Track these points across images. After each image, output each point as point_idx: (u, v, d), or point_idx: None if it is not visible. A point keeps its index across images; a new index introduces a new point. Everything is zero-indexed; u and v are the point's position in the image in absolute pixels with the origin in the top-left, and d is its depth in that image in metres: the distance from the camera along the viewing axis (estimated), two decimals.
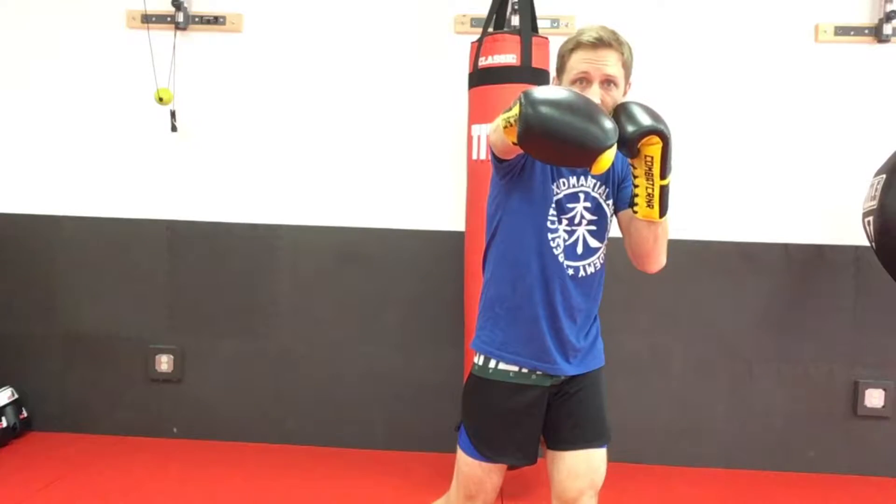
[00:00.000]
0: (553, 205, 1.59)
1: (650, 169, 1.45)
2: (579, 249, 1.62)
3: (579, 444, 1.65)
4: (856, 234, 2.95)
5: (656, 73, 2.97)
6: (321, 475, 2.95)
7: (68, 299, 3.30)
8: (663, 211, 1.50)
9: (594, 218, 1.63)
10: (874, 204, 2.67)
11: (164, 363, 3.29)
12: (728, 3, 3.10)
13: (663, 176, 1.46)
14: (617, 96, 1.53)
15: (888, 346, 3.10)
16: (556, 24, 3.08)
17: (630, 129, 1.42)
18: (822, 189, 3.11)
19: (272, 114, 3.23)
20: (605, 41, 1.50)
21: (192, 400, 3.29)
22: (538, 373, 1.63)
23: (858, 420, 3.12)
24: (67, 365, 3.31)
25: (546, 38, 2.67)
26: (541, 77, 2.62)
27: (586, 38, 1.51)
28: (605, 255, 1.67)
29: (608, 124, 1.34)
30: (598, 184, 1.62)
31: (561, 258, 1.60)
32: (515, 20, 2.75)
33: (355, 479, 2.92)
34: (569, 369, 1.64)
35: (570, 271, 1.61)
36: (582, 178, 1.61)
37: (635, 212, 1.53)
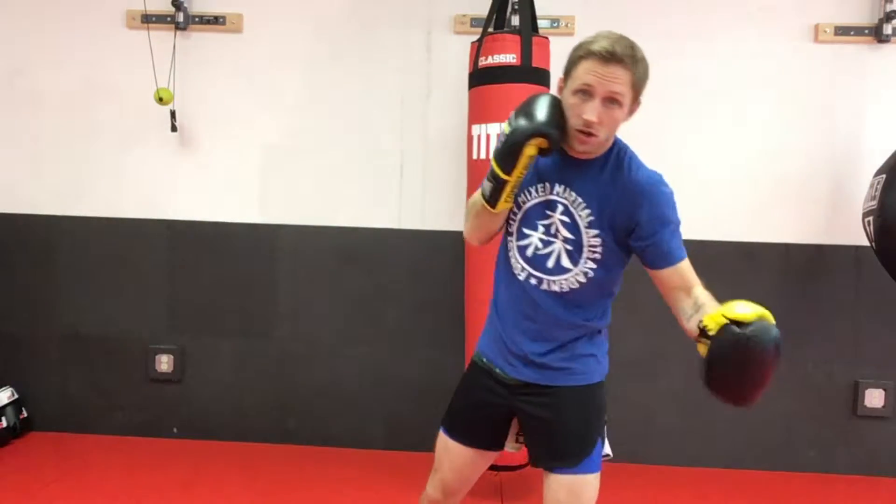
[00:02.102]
0: (522, 214, 1.60)
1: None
2: (550, 263, 1.57)
3: (557, 463, 1.58)
4: (856, 234, 2.94)
5: (656, 72, 2.96)
6: (321, 475, 2.95)
7: (68, 299, 3.30)
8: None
9: (570, 237, 1.55)
10: (874, 204, 2.67)
11: (164, 363, 3.29)
12: (728, 3, 3.10)
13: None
14: (618, 116, 1.46)
15: (888, 346, 3.10)
16: (556, 24, 3.08)
17: None
18: (822, 189, 3.11)
19: (272, 114, 3.23)
20: (618, 57, 1.40)
21: (192, 400, 3.29)
22: (497, 370, 1.67)
23: (858, 420, 3.12)
24: (67, 365, 3.31)
25: (546, 38, 2.67)
26: (541, 77, 2.62)
27: (598, 48, 1.41)
28: (594, 279, 1.56)
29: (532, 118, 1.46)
30: (581, 203, 1.53)
31: (521, 265, 1.60)
32: (515, 20, 2.75)
33: (355, 479, 2.92)
34: (528, 375, 1.62)
35: (533, 281, 1.59)
36: (558, 186, 1.56)
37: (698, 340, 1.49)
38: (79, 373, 3.31)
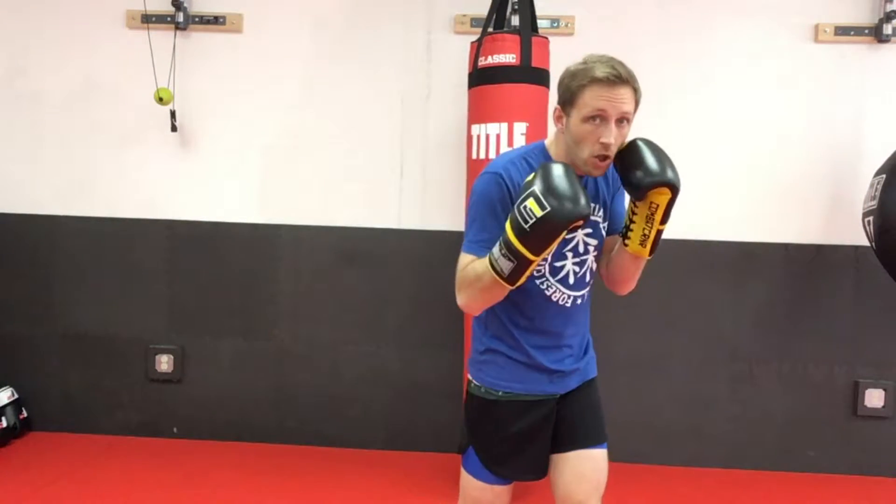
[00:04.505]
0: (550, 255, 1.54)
1: (652, 214, 1.47)
2: (587, 278, 1.63)
3: (581, 444, 1.64)
4: (856, 234, 2.94)
5: (656, 73, 2.97)
6: (321, 475, 2.95)
7: (68, 299, 3.30)
8: (654, 250, 1.52)
9: (595, 242, 1.62)
10: (874, 204, 2.67)
11: (164, 363, 3.29)
12: (728, 3, 3.10)
13: (663, 221, 1.48)
14: (626, 133, 1.50)
15: (888, 346, 3.10)
16: (555, 24, 3.08)
17: (642, 177, 1.43)
18: (822, 189, 3.11)
19: (272, 114, 3.23)
20: (623, 78, 1.44)
21: (192, 400, 3.29)
22: (532, 396, 1.63)
23: (858, 420, 3.12)
24: (67, 365, 3.31)
25: (546, 38, 2.68)
26: (540, 77, 2.62)
27: (602, 73, 1.43)
28: (595, 270, 1.68)
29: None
30: (596, 206, 1.60)
31: (566, 293, 1.59)
32: (515, 20, 2.75)
33: (355, 479, 2.92)
34: (569, 385, 1.67)
35: (579, 301, 1.62)
36: None
37: (626, 244, 1.54)
38: (79, 373, 3.31)
